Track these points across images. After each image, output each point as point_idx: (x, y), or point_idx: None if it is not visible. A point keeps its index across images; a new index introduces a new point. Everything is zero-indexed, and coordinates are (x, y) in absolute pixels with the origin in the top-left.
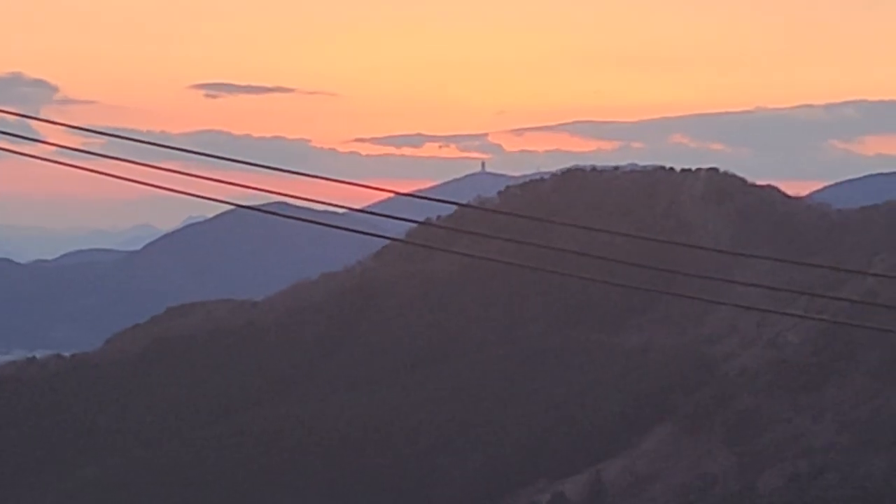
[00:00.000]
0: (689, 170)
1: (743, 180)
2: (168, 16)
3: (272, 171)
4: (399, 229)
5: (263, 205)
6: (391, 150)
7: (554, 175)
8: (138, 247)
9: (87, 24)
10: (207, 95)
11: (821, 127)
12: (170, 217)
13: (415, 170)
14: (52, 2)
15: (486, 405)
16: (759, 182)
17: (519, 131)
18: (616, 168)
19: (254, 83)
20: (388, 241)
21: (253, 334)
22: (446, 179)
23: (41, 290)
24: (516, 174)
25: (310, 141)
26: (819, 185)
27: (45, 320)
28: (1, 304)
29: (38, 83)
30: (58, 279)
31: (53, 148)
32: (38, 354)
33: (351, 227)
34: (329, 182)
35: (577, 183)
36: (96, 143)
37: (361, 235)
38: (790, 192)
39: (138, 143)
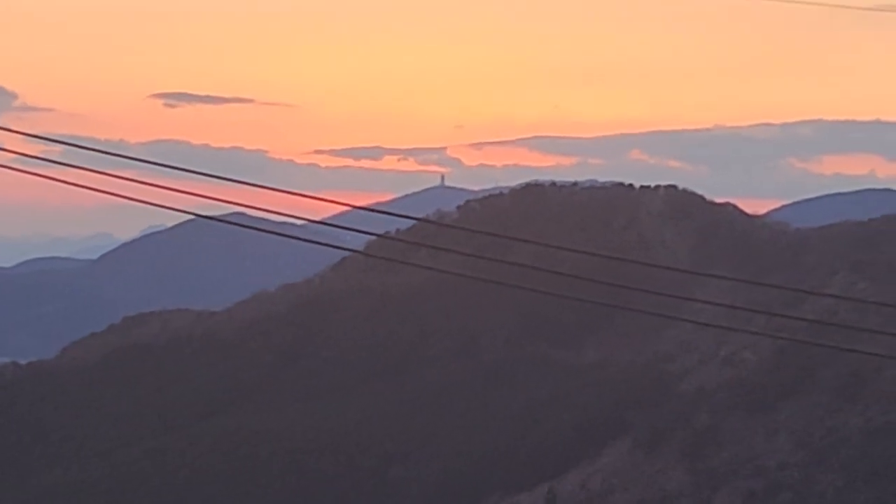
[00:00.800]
0: (648, 186)
1: (702, 198)
2: (128, 24)
3: (230, 182)
4: (358, 241)
5: (222, 215)
6: (350, 162)
7: (513, 190)
8: (96, 255)
9: (47, 31)
10: (166, 105)
11: (778, 146)
12: (128, 226)
13: (374, 183)
14: (11, 9)
15: (443, 418)
16: (718, 200)
17: (478, 145)
18: (575, 183)
19: (213, 93)
20: (347, 253)
21: (211, 344)
22: (405, 192)
23: None
24: (475, 188)
25: (268, 152)
26: (777, 204)
27: (1, 328)
28: None
29: None
30: (15, 287)
31: (12, 155)
32: None
33: (310, 238)
34: (287, 194)
35: (536, 198)
36: (54, 150)
37: (321, 247)
38: (749, 210)
39: (97, 152)
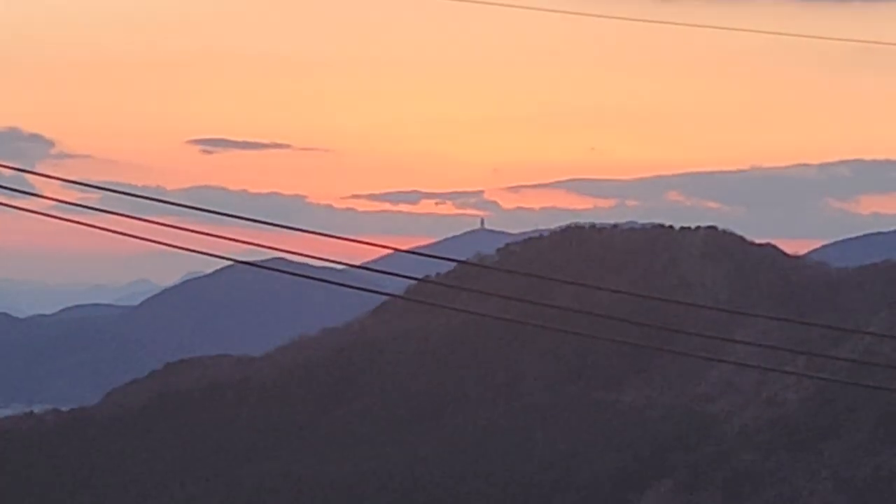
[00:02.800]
0: (688, 228)
1: (741, 238)
2: (164, 71)
3: (270, 227)
4: (398, 286)
5: (262, 261)
6: (387, 206)
7: (553, 232)
8: (137, 302)
9: (84, 79)
10: (203, 151)
11: (816, 186)
12: (168, 272)
13: (412, 226)
14: (48, 56)
15: (484, 462)
16: (756, 240)
17: (515, 188)
18: (615, 225)
19: (250, 139)
20: (386, 298)
21: (251, 390)
22: (444, 236)
23: (40, 344)
24: (514, 231)
25: (306, 197)
26: (817, 244)
27: (43, 375)
28: None
29: (35, 137)
30: (56, 334)
31: (51, 202)
32: (37, 409)
33: (349, 283)
34: (326, 238)
35: (575, 240)
36: (92, 197)
37: (360, 291)
38: (788, 250)
39: (135, 198)
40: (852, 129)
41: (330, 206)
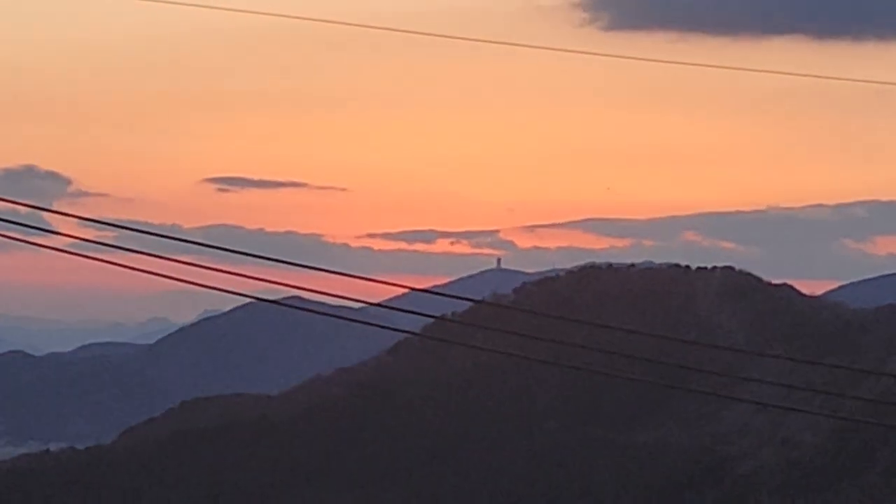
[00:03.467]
0: (705, 268)
1: (758, 279)
2: (181, 110)
3: (286, 265)
4: (414, 324)
5: (279, 299)
6: (403, 245)
7: (569, 272)
8: (153, 340)
9: (100, 118)
10: (219, 189)
11: (832, 226)
12: (185, 311)
13: (428, 266)
14: (64, 94)
15: (500, 501)
16: (773, 281)
17: (530, 228)
18: (632, 265)
19: (266, 178)
20: (403, 336)
21: (268, 428)
22: (461, 275)
23: (56, 382)
24: (530, 270)
25: (322, 235)
26: (833, 285)
27: (59, 413)
28: (15, 396)
29: (51, 176)
30: (72, 372)
31: (68, 240)
32: (53, 447)
33: (366, 321)
34: (343, 277)
35: (592, 280)
36: (109, 235)
37: (377, 330)
38: (805, 290)
39: (151, 236)
40: (868, 169)
41: (346, 245)
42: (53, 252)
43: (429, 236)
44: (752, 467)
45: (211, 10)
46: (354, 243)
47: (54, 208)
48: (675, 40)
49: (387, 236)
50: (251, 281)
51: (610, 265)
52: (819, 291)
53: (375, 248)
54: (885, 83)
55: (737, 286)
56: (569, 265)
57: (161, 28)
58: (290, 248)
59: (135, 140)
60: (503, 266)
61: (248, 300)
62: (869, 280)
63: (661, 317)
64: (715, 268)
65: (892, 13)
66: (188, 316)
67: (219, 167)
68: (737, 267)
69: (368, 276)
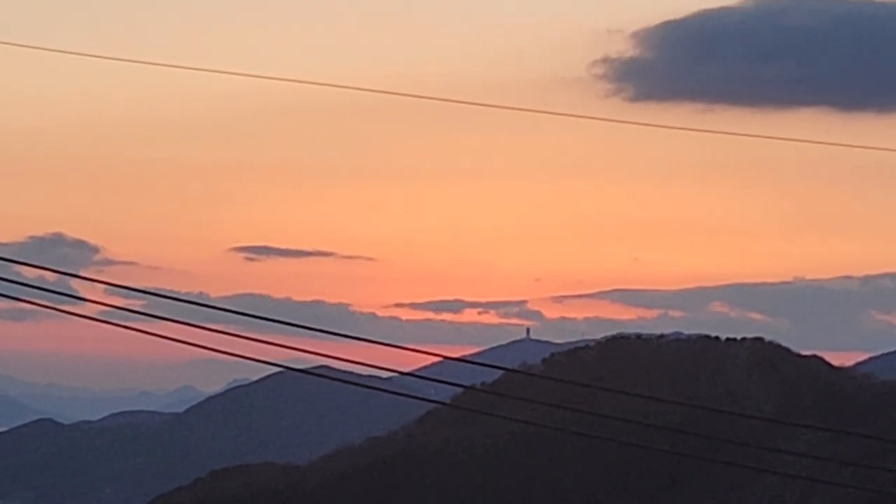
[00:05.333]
0: (734, 339)
1: (787, 350)
2: (208, 179)
3: (315, 333)
4: (443, 394)
5: (308, 368)
6: (431, 315)
7: (598, 342)
8: (182, 409)
9: (128, 186)
10: (247, 258)
11: (860, 297)
12: (213, 379)
13: (455, 336)
14: (93, 163)
15: None
16: (802, 352)
17: (558, 298)
18: (661, 336)
19: (293, 247)
20: (432, 406)
21: (296, 498)
22: (489, 346)
23: (85, 450)
24: (559, 341)
25: (349, 305)
26: (863, 356)
27: (88, 482)
28: (44, 464)
29: (79, 244)
30: (102, 440)
31: (96, 308)
32: None
33: (395, 390)
34: (371, 345)
35: (621, 351)
36: (137, 303)
37: (406, 400)
38: (834, 362)
39: (179, 303)
40: (894, 241)
41: (373, 315)
42: (82, 320)
43: (456, 306)
44: None
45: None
46: (382, 313)
47: (82, 276)
48: (701, 111)
49: (414, 306)
50: (280, 350)
51: (639, 336)
52: (848, 363)
53: (403, 317)
54: None
55: (766, 357)
56: (597, 336)
57: (190, 97)
58: (317, 317)
59: (162, 208)
60: (532, 336)
61: (276, 369)
62: None
63: (691, 387)
64: (744, 339)
65: None
66: (217, 385)
67: (246, 236)
68: (766, 338)
69: (400, 345)
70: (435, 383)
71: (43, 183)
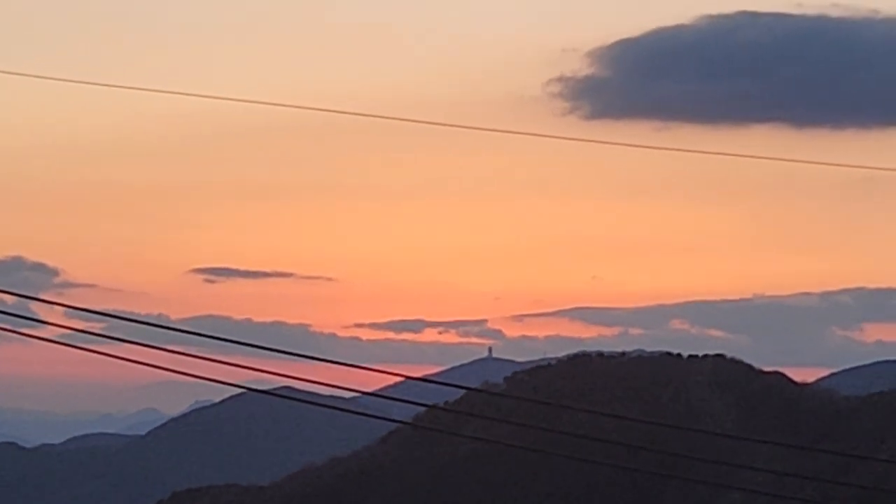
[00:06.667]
0: (696, 356)
1: (749, 367)
2: (166, 201)
3: (276, 354)
4: (406, 413)
5: (270, 389)
6: (391, 335)
7: (560, 360)
8: (144, 431)
9: (87, 209)
10: (206, 280)
11: (819, 314)
12: (175, 401)
13: (416, 355)
14: (52, 186)
15: None
16: (764, 368)
17: (518, 317)
18: (622, 353)
19: (252, 268)
20: (395, 426)
21: None
22: (450, 365)
23: (48, 474)
24: (521, 360)
25: (310, 325)
26: (823, 372)
27: None
28: (6, 488)
29: (38, 267)
30: (64, 463)
31: (56, 330)
32: None
33: (358, 410)
34: (333, 366)
35: (584, 368)
36: (97, 326)
37: (369, 419)
38: (796, 378)
39: (140, 326)
40: (853, 257)
41: (334, 335)
42: (42, 343)
43: (417, 326)
44: None
45: (196, 98)
46: (342, 333)
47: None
48: (657, 128)
49: (375, 326)
50: (242, 371)
51: (601, 354)
52: (810, 379)
53: (364, 337)
54: (869, 168)
55: (728, 374)
56: (558, 354)
57: (145, 118)
58: (278, 338)
59: (122, 231)
60: (494, 355)
61: (239, 391)
62: (859, 368)
63: (653, 404)
64: (706, 356)
65: (870, 101)
66: (179, 406)
67: (205, 258)
68: (727, 355)
69: (363, 365)
70: (397, 403)
71: (1, 206)
